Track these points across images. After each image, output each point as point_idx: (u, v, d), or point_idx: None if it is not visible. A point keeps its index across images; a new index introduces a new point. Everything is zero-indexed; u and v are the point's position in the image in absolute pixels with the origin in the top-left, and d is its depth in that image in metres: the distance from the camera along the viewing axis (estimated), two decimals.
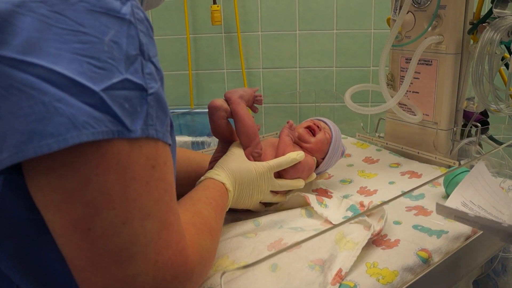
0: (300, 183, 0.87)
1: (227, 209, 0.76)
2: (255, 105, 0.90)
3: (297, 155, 0.85)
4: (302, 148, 0.93)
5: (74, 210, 0.43)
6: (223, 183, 0.75)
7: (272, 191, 0.85)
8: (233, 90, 0.87)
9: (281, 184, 0.84)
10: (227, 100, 0.86)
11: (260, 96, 0.90)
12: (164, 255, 0.48)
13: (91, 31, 0.43)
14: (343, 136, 1.42)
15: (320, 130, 0.96)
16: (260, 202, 0.86)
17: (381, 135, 1.33)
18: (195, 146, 1.59)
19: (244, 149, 0.84)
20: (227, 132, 0.86)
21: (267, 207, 0.90)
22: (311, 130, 0.96)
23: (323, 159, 0.96)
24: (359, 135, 1.39)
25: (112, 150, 0.43)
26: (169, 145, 0.51)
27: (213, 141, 1.60)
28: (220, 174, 0.76)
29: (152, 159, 0.47)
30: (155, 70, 0.49)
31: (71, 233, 0.44)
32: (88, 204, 0.43)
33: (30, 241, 0.49)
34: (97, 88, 0.42)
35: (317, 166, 0.96)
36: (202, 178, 0.77)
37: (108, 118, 0.43)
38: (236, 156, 0.82)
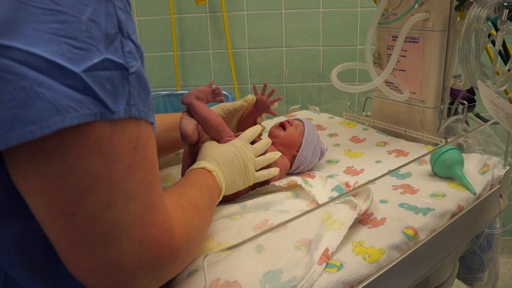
0: (276, 155, 0.87)
1: (221, 192, 0.75)
2: (217, 98, 0.89)
3: (274, 154, 0.86)
4: (273, 144, 0.94)
5: (58, 195, 0.43)
6: (203, 167, 0.74)
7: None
8: (187, 94, 0.85)
9: (262, 158, 0.84)
10: (185, 105, 0.85)
11: (218, 89, 0.88)
12: (150, 235, 0.48)
13: (68, 10, 0.41)
14: (330, 115, 1.42)
15: (291, 125, 0.98)
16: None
17: (368, 114, 1.33)
18: None
19: (218, 142, 0.83)
20: (196, 140, 0.85)
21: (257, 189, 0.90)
22: (283, 127, 0.97)
23: (297, 151, 0.97)
24: (346, 114, 1.38)
25: (95, 133, 0.43)
26: (151, 123, 0.50)
27: None
28: (200, 163, 0.75)
29: (134, 141, 0.46)
30: (134, 48, 0.47)
31: (56, 218, 0.44)
32: (72, 189, 0.43)
33: (16, 227, 0.48)
34: (77, 69, 0.41)
35: (293, 159, 0.97)
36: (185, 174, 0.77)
37: (90, 100, 0.42)
38: (209, 145, 0.80)
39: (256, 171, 0.82)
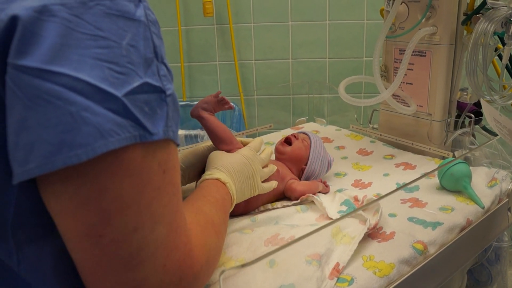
0: (274, 168, 0.88)
1: (233, 203, 0.75)
2: (225, 107, 0.89)
3: (273, 167, 0.87)
4: (281, 160, 0.96)
5: (87, 217, 0.43)
6: (217, 179, 0.74)
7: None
8: (195, 107, 0.87)
9: (268, 170, 0.85)
10: (195, 118, 0.87)
11: (224, 99, 0.88)
12: (173, 258, 0.48)
13: (109, 35, 0.43)
14: (337, 127, 1.42)
15: (297, 139, 0.98)
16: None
17: (375, 126, 1.33)
18: (188, 139, 1.58)
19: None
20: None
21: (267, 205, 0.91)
22: (288, 142, 0.98)
23: (305, 165, 0.98)
24: (353, 127, 1.39)
25: (128, 156, 0.43)
26: (178, 145, 0.51)
27: (206, 134, 1.59)
28: (213, 173, 0.76)
29: (164, 164, 0.47)
30: (167, 71, 0.49)
31: (82, 239, 0.44)
32: (102, 212, 0.43)
33: (50, 246, 0.48)
34: (119, 93, 0.42)
35: (302, 173, 0.98)
36: (198, 183, 0.77)
37: (130, 123, 0.43)
38: (219, 154, 0.81)
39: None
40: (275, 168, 0.87)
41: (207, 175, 0.76)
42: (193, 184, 0.90)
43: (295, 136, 0.99)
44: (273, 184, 0.86)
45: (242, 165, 0.79)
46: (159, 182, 0.47)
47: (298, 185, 0.91)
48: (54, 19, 0.40)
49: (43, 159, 0.40)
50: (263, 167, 0.84)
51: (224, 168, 0.77)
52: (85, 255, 0.45)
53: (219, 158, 0.80)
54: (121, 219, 0.44)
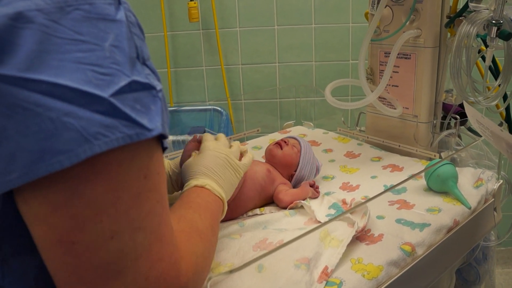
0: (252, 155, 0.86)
1: (224, 201, 0.72)
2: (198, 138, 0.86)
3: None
4: (272, 163, 0.97)
5: (59, 223, 0.42)
6: (195, 186, 0.70)
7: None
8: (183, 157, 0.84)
9: (244, 161, 0.81)
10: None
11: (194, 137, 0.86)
12: (157, 269, 0.46)
13: (90, 39, 0.42)
14: (324, 130, 1.43)
15: (287, 144, 0.99)
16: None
17: (362, 129, 1.34)
18: (176, 145, 1.57)
19: None
20: None
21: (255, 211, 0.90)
22: (279, 146, 0.99)
23: (295, 171, 0.99)
24: (340, 129, 1.40)
25: (104, 160, 0.42)
26: (166, 148, 0.50)
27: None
28: (189, 183, 0.71)
29: (145, 169, 0.46)
30: (151, 72, 0.48)
31: (55, 247, 0.43)
32: (74, 217, 0.42)
33: (33, 258, 0.47)
34: (105, 94, 0.41)
35: (291, 177, 0.99)
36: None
37: (123, 123, 0.42)
38: (188, 164, 0.77)
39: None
40: (252, 156, 0.84)
41: (184, 188, 0.71)
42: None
43: (285, 142, 1.00)
44: (250, 156, 0.82)
45: (212, 157, 0.75)
46: (139, 188, 0.45)
47: (285, 195, 0.91)
48: (31, 26, 0.40)
49: (25, 168, 0.39)
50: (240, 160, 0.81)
51: (197, 173, 0.73)
52: (59, 264, 0.43)
53: (188, 167, 0.75)
54: (96, 225, 0.42)
